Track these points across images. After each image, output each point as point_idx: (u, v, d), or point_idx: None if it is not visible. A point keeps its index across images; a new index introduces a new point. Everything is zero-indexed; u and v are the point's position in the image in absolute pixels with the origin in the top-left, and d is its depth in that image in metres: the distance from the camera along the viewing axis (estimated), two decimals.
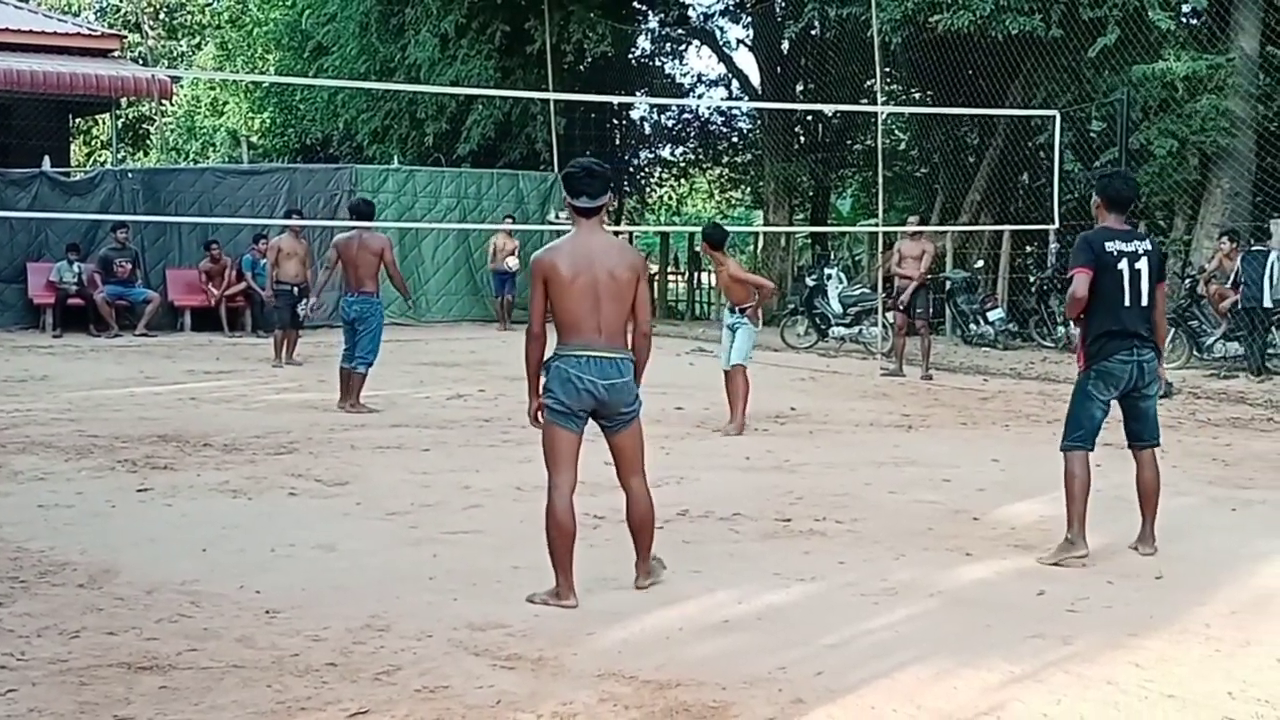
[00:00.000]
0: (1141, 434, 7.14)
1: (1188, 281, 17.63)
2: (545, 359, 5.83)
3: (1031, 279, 21.25)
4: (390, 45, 28.33)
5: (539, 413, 5.89)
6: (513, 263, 22.87)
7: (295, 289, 15.97)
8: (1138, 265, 6.87)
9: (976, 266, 21.59)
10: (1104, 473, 9.41)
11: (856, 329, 19.51)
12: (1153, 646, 5.29)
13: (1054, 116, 16.49)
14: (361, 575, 6.25)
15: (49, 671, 4.77)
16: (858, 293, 20.19)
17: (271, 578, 6.14)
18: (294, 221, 17.28)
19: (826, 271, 20.82)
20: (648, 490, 6.06)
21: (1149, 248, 6.99)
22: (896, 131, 28.95)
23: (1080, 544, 6.76)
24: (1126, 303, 6.86)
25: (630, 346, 5.89)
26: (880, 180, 18.26)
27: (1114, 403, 7.04)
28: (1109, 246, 6.86)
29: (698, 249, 30.40)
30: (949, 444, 10.77)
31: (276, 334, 16.36)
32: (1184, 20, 19.48)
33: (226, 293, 21.19)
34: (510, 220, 23.49)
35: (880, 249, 19.74)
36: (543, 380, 5.86)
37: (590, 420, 5.93)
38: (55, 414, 11.54)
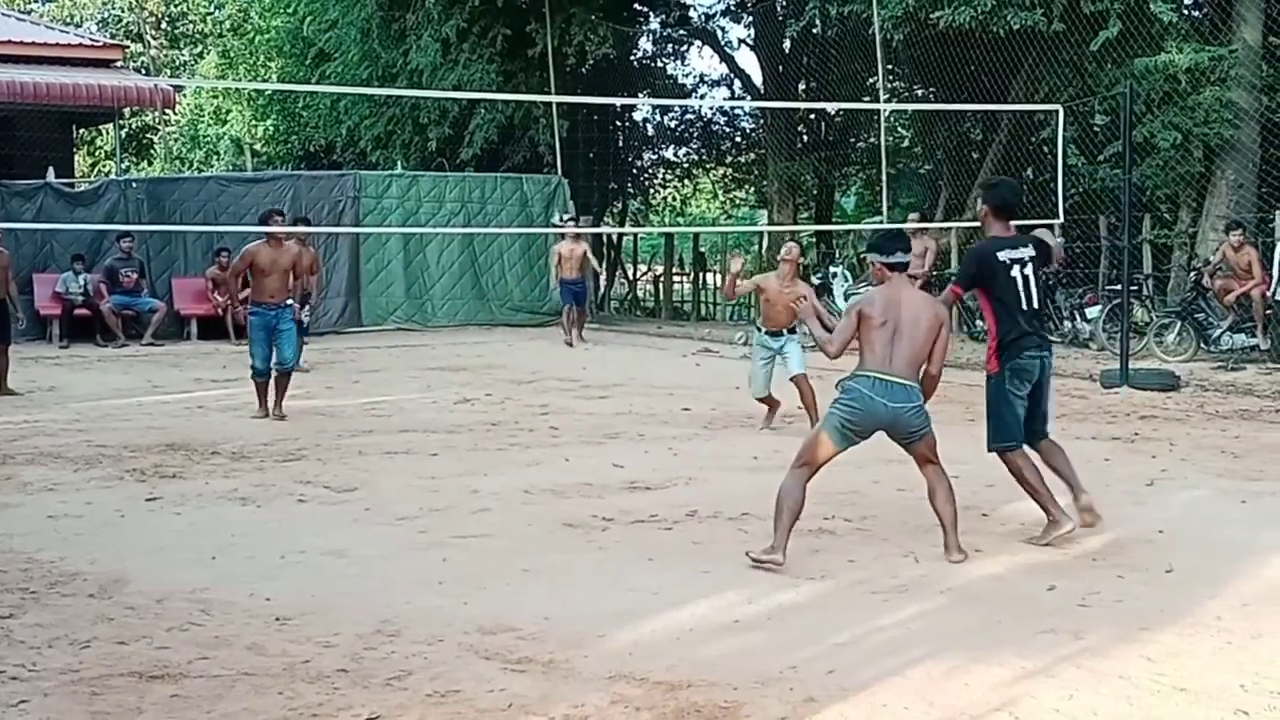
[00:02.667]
0: (1039, 427, 7.43)
1: (1193, 274, 17.60)
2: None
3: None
4: (392, 51, 28.34)
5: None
6: (593, 267, 22.33)
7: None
8: (1026, 271, 7.27)
9: None
10: (1110, 467, 9.42)
11: None
12: (1164, 640, 5.29)
13: (1057, 111, 16.44)
14: (371, 580, 6.26)
15: (61, 682, 4.78)
16: (863, 290, 20.17)
17: (281, 584, 6.15)
18: (300, 229, 17.24)
19: (832, 270, 20.83)
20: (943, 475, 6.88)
21: (1034, 252, 7.37)
22: (900, 129, 28.92)
23: (1064, 520, 7.01)
24: (1024, 306, 7.23)
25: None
26: (884, 178, 18.27)
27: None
28: (1000, 256, 7.27)
29: (702, 249, 30.46)
30: (956, 440, 10.68)
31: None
32: (1186, 12, 19.45)
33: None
34: (573, 222, 22.25)
35: None
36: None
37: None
38: (63, 424, 11.55)
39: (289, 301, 12.29)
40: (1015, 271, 7.24)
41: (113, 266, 20.59)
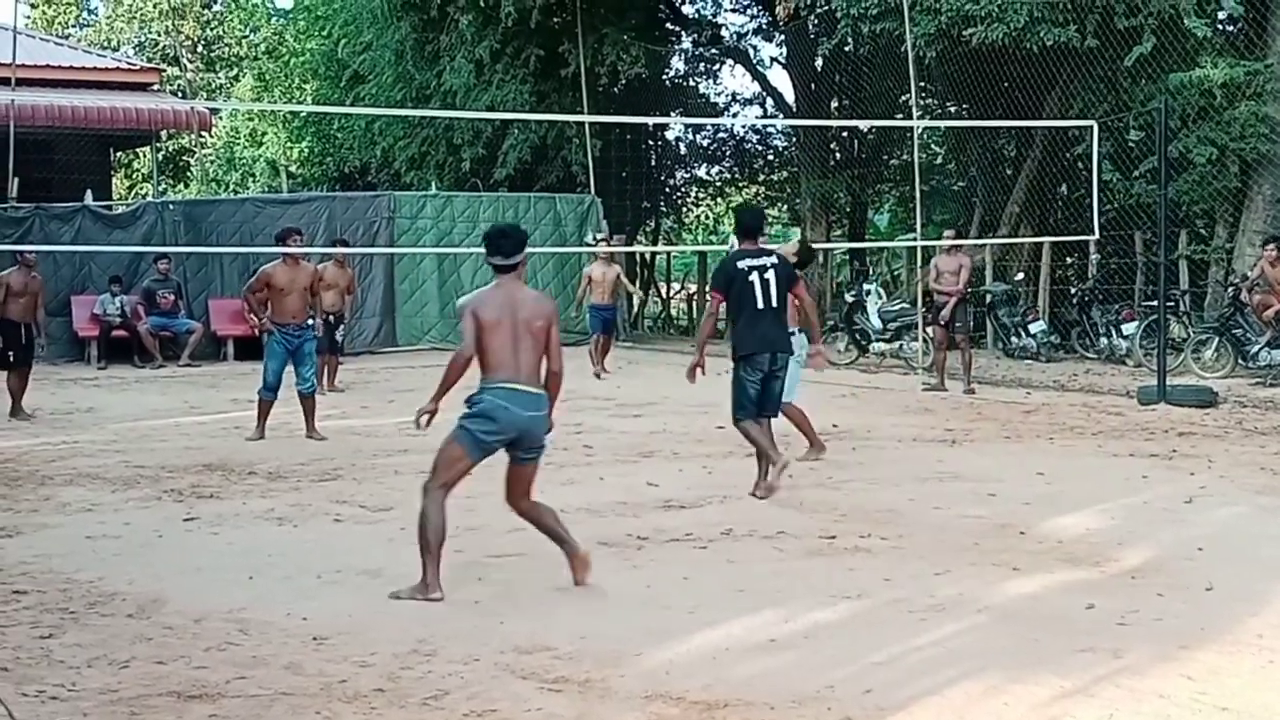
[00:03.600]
0: (766, 407, 9.16)
1: (1231, 289, 17.48)
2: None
3: (1073, 290, 21.11)
4: (426, 72, 28.48)
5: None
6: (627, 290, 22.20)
7: (332, 317, 15.95)
8: (766, 276, 8.95)
9: (1017, 279, 21.48)
10: (1149, 484, 9.36)
11: (897, 344, 19.43)
12: (1204, 659, 5.24)
13: (1091, 127, 16.39)
14: (407, 600, 6.26)
15: (100, 701, 4.80)
16: (897, 308, 20.11)
17: (318, 604, 6.17)
18: (339, 250, 17.32)
19: (865, 287, 20.76)
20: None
21: (775, 262, 9.08)
22: (933, 145, 28.87)
23: (779, 457, 8.82)
24: (759, 306, 8.93)
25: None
26: (918, 195, 18.20)
27: None
28: (740, 265, 9.03)
29: None
30: (993, 458, 10.71)
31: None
32: (1220, 27, 19.33)
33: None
34: (606, 242, 21.68)
35: (919, 264, 19.67)
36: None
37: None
38: (102, 445, 11.63)
39: (310, 321, 12.27)
40: (754, 277, 8.94)
41: (150, 288, 20.73)
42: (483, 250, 6.85)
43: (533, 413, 6.53)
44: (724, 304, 9.26)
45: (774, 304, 8.94)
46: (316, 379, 13.15)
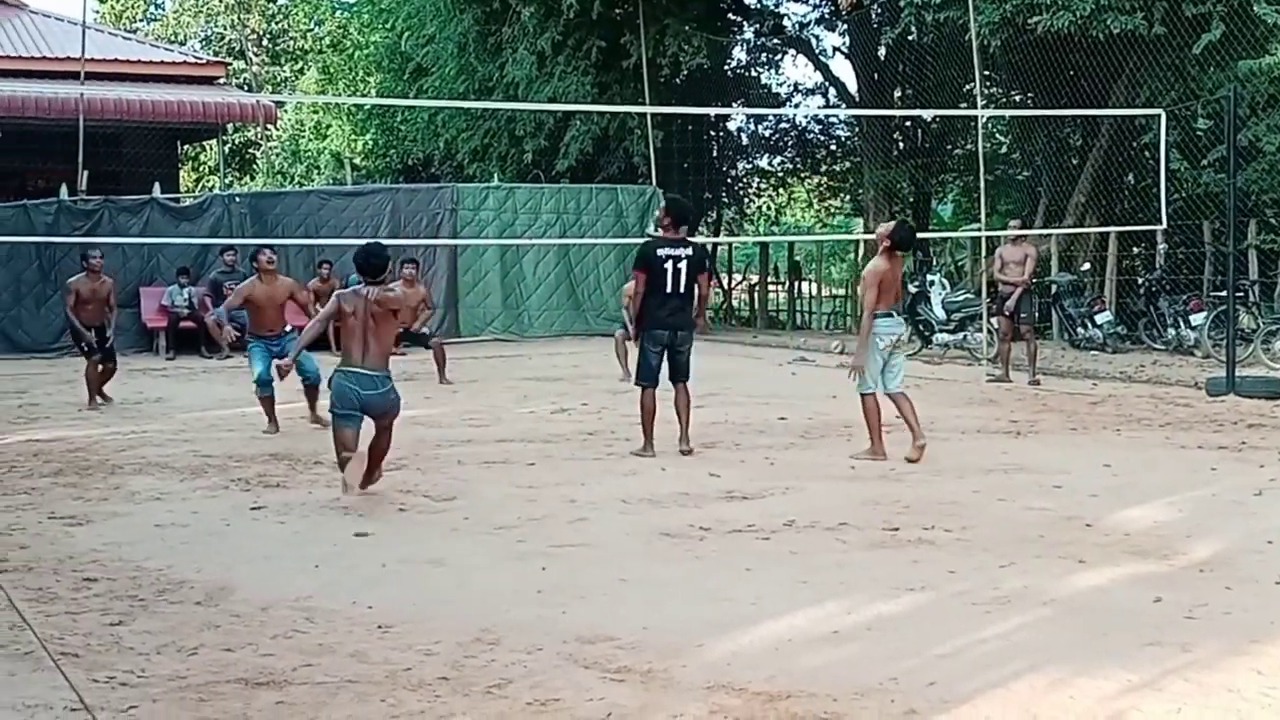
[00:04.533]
0: (676, 376, 10.56)
1: None
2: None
3: (1139, 281, 20.87)
4: (488, 64, 28.57)
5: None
6: None
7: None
8: (679, 265, 10.18)
9: (1083, 269, 21.27)
10: (1218, 476, 9.24)
11: (961, 335, 19.28)
12: (1274, 653, 5.17)
13: (1159, 115, 16.18)
14: (471, 589, 6.31)
15: (169, 688, 4.86)
16: (961, 298, 19.95)
17: (383, 593, 6.22)
18: (408, 271, 16.87)
19: (929, 278, 20.61)
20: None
21: (691, 253, 10.31)
22: (997, 135, 28.60)
23: (649, 450, 10.26)
24: (668, 290, 10.21)
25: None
26: (982, 185, 18.04)
27: None
28: (660, 252, 10.26)
29: (797, 258, 30.33)
30: (1059, 450, 10.61)
31: None
32: None
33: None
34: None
35: (983, 254, 19.50)
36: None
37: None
38: (170, 435, 11.78)
39: (288, 329, 12.46)
40: (669, 265, 10.18)
41: (217, 279, 20.93)
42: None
43: (370, 390, 8.54)
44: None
45: (681, 289, 10.26)
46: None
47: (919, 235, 27.59)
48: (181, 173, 34.42)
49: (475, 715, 4.55)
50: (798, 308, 29.68)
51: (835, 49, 30.56)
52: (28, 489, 9.09)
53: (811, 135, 32.78)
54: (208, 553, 7.11)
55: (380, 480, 8.90)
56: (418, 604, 6.02)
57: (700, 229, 30.81)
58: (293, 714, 4.59)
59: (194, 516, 8.14)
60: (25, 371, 18.10)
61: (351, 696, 4.76)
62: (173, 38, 43.37)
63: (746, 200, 34.88)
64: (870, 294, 10.20)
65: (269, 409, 12.09)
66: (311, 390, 12.23)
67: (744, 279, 33.07)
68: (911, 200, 29.42)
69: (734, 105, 31.00)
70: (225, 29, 45.52)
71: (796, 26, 30.48)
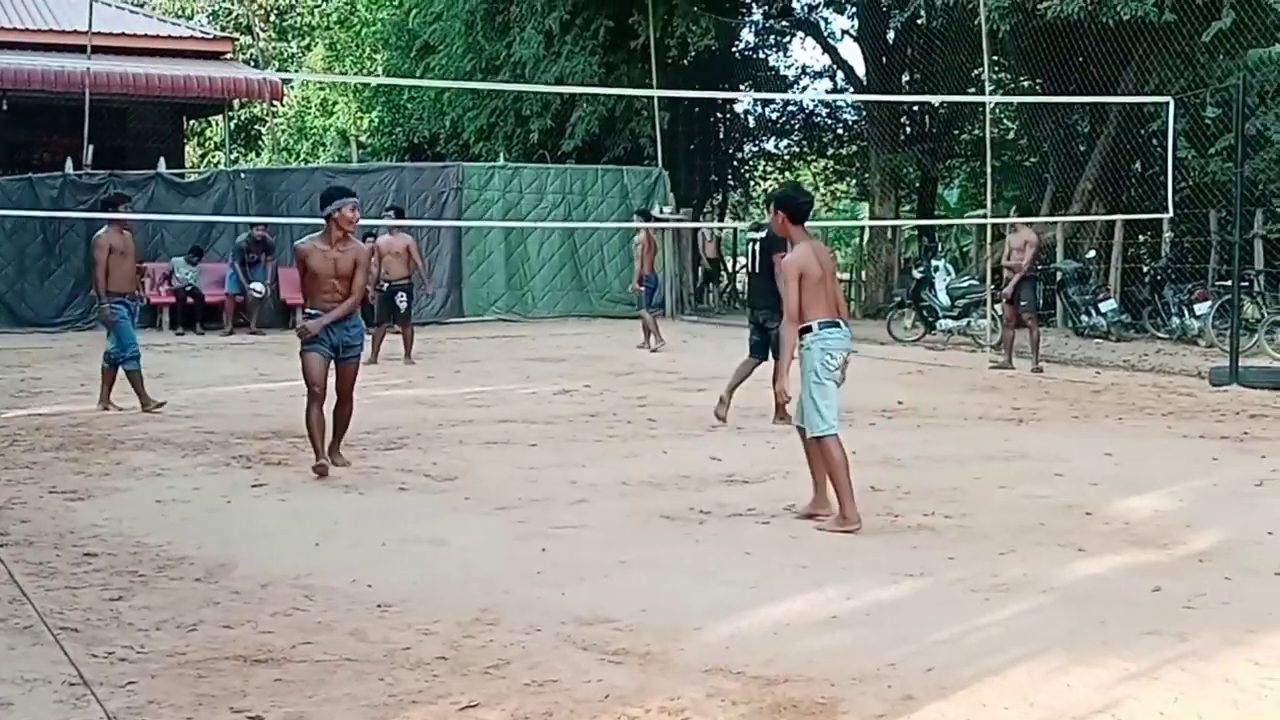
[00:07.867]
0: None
1: None
2: None
3: (1145, 269, 20.85)
4: (495, 43, 28.51)
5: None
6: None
7: (386, 285, 15.90)
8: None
9: (1088, 256, 21.23)
10: (1219, 466, 9.23)
11: (964, 321, 19.27)
12: (1272, 643, 5.17)
13: (1167, 103, 16.13)
14: (471, 569, 6.31)
15: (167, 664, 4.88)
16: (965, 284, 19.92)
17: (383, 572, 6.23)
18: (390, 221, 17.23)
19: (934, 263, 20.58)
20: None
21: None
22: (1005, 121, 28.53)
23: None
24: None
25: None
26: (989, 171, 18.00)
27: None
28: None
29: None
30: (1060, 437, 10.61)
31: (373, 331, 16.33)
32: None
33: None
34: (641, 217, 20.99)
35: (989, 240, 19.48)
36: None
37: None
38: (172, 411, 11.78)
39: (138, 292, 12.51)
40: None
41: (241, 246, 21.12)
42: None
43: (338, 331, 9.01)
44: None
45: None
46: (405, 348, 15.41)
47: (925, 222, 27.69)
48: (187, 148, 34.42)
49: (473, 695, 4.56)
50: None
51: (844, 32, 30.55)
52: (29, 463, 9.11)
53: (818, 119, 32.77)
54: (208, 529, 7.12)
55: (348, 458, 9.14)
56: (417, 583, 6.03)
57: (705, 212, 30.81)
58: (290, 691, 4.60)
59: (195, 493, 8.15)
60: (29, 345, 18.13)
61: (350, 675, 4.77)
62: (180, 12, 43.20)
63: (752, 183, 34.84)
64: (790, 291, 7.26)
65: (109, 385, 11.86)
66: (132, 373, 11.87)
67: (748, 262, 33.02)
68: (917, 185, 29.39)
69: (741, 88, 30.94)
70: (232, 4, 45.38)
71: (805, 9, 30.43)
